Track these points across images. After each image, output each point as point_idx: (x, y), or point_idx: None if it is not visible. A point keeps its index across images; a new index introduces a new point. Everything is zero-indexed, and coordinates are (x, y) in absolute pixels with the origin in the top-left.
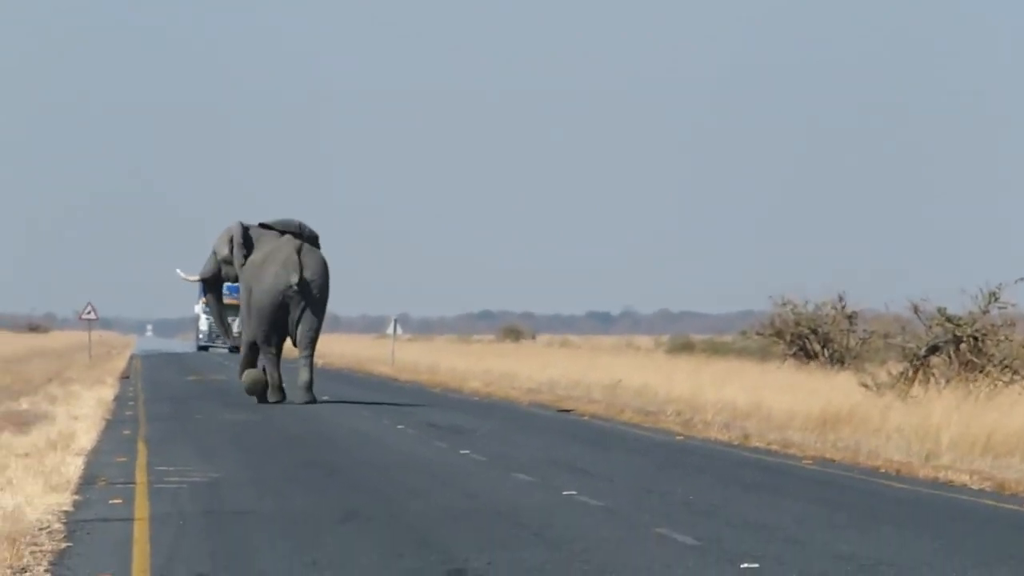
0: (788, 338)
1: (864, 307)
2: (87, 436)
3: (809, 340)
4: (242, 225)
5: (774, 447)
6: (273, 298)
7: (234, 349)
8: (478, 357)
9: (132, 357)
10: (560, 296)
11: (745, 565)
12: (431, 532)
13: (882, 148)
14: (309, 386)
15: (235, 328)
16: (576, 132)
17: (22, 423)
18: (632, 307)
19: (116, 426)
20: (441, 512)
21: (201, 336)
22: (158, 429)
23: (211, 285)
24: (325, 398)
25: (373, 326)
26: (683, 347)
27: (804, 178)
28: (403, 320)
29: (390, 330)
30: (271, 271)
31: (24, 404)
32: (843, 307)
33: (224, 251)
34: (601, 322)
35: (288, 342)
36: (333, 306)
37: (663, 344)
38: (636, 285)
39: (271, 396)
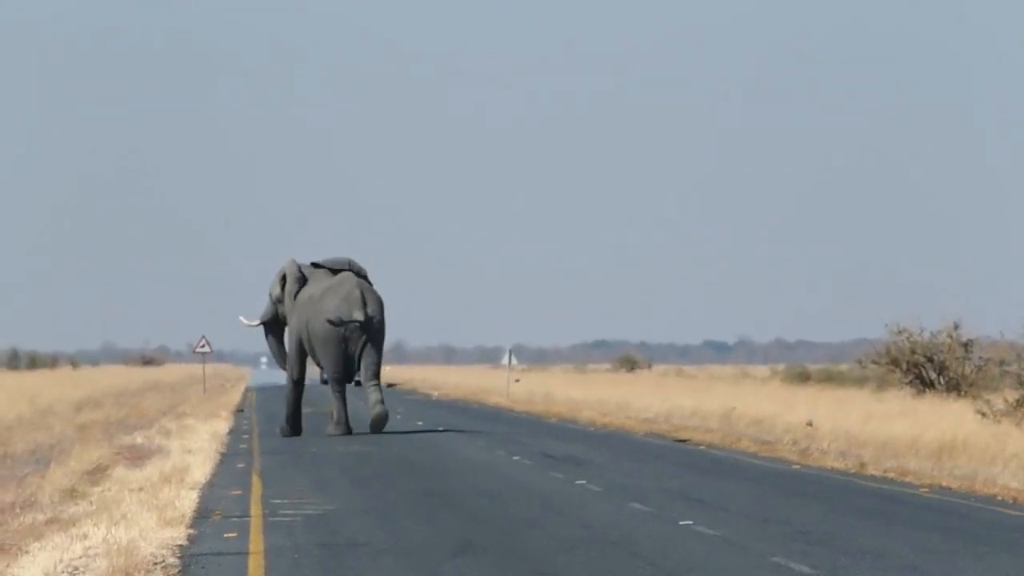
0: (904, 367)
1: (980, 334)
2: (201, 469)
3: (925, 368)
4: (295, 262)
5: (890, 475)
6: (336, 331)
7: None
8: (593, 387)
9: (246, 390)
10: (676, 325)
11: None
12: (546, 563)
13: (999, 176)
14: (381, 400)
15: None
16: (692, 161)
17: (137, 457)
18: (748, 336)
19: (230, 459)
20: (556, 543)
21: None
22: (272, 462)
23: (271, 327)
24: (441, 428)
25: (488, 357)
26: (799, 376)
27: (920, 206)
28: (518, 350)
29: (505, 361)
30: (331, 305)
31: (139, 438)
32: (958, 335)
33: (276, 290)
34: (717, 351)
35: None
36: (449, 337)
37: (779, 373)
38: (752, 314)
39: (335, 430)
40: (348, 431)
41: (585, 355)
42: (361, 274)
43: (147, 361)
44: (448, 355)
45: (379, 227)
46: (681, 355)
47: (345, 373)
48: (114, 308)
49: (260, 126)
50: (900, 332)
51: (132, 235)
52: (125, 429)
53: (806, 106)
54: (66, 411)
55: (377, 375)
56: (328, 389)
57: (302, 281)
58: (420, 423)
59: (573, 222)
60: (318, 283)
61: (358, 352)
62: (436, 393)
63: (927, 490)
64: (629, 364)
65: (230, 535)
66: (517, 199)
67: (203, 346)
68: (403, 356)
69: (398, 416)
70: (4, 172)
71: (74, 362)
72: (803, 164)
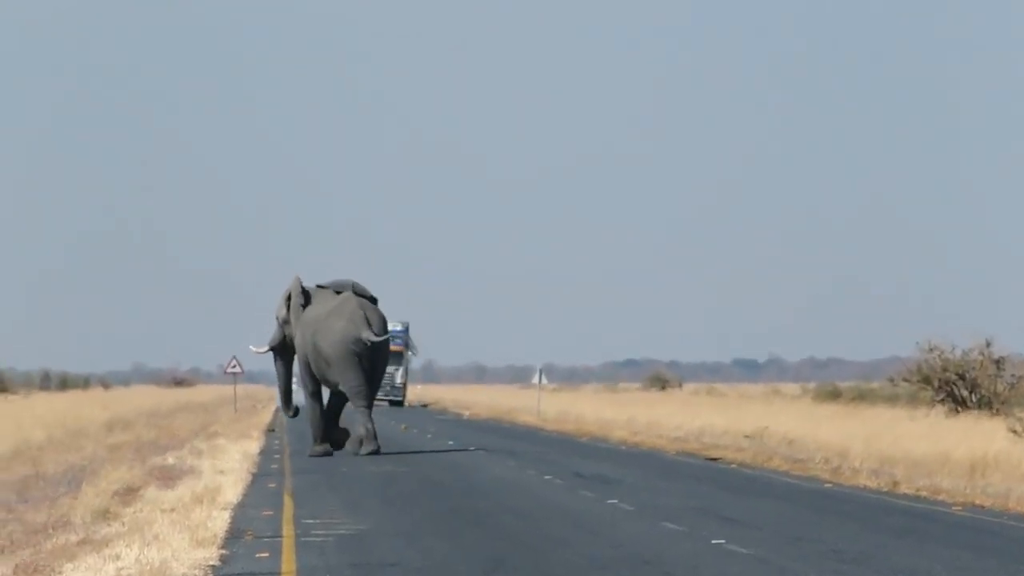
0: (936, 384)
1: (1012, 352)
2: (233, 490)
3: (957, 386)
4: (299, 279)
5: (923, 493)
6: (345, 348)
7: (395, 403)
8: (624, 406)
9: (277, 410)
10: (706, 344)
11: None
12: None
13: None
14: (373, 434)
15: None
16: (722, 179)
17: (168, 478)
18: (778, 355)
19: (262, 479)
20: (587, 562)
21: None
22: (304, 482)
23: (279, 353)
24: (471, 447)
25: (519, 376)
26: (830, 394)
27: (953, 224)
28: (548, 370)
29: (536, 380)
30: (339, 325)
31: (170, 459)
32: (990, 352)
33: (283, 312)
34: (747, 370)
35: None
36: (480, 356)
37: (810, 391)
38: (782, 333)
39: (367, 447)
40: (377, 449)
41: (616, 374)
42: (365, 295)
43: (178, 382)
44: (479, 374)
45: (410, 248)
46: (712, 374)
47: (367, 388)
48: (145, 329)
49: (291, 146)
50: (931, 350)
51: (164, 256)
52: (157, 450)
53: (838, 120)
54: (98, 432)
55: (373, 396)
56: (351, 409)
57: (306, 296)
58: (451, 442)
59: (604, 242)
60: (324, 303)
61: (370, 368)
62: (467, 412)
63: (960, 508)
64: (660, 383)
65: (262, 555)
66: (548, 220)
67: (234, 367)
68: (434, 375)
69: (428, 436)
70: (36, 193)
71: (105, 383)
72: (836, 183)
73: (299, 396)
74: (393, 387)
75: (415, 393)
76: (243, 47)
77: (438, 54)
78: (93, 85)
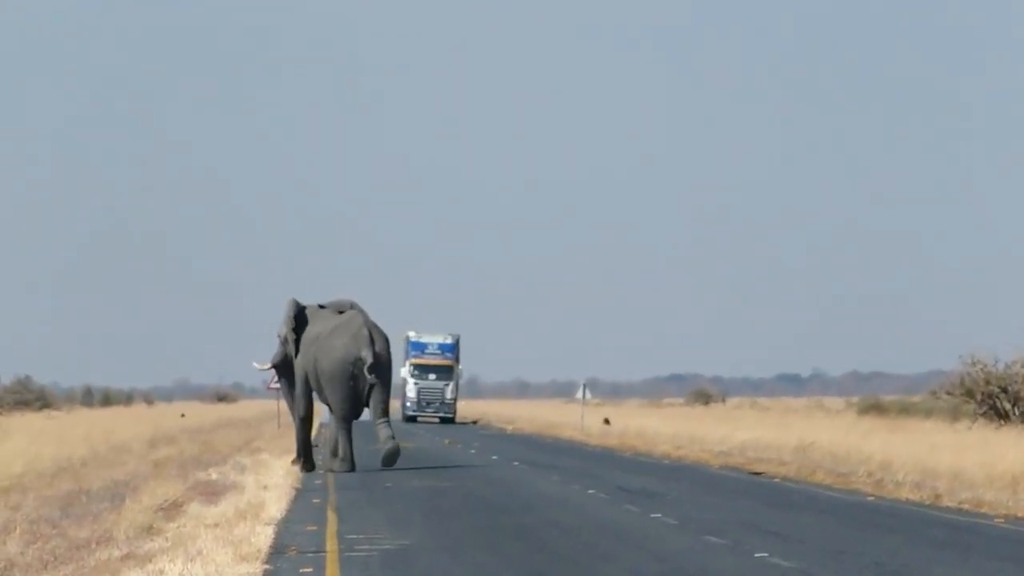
0: (978, 397)
1: None
2: (276, 505)
3: (999, 399)
4: (296, 300)
5: (965, 506)
6: (344, 368)
7: (445, 420)
8: (668, 420)
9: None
10: (749, 358)
11: None
12: None
13: None
14: (392, 436)
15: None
16: (766, 195)
17: (212, 493)
18: (822, 369)
19: (305, 495)
20: None
21: (408, 404)
22: (348, 497)
23: (282, 371)
24: (515, 462)
25: (562, 391)
26: (873, 408)
27: (995, 237)
28: (592, 384)
29: (579, 395)
30: (340, 343)
31: (213, 474)
32: None
33: (284, 330)
34: (790, 384)
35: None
36: (523, 372)
37: (853, 405)
38: (825, 347)
39: (340, 467)
40: (352, 468)
41: (659, 389)
42: (364, 314)
43: (221, 397)
44: (522, 389)
45: (451, 263)
46: (755, 388)
47: (352, 411)
48: (188, 345)
49: (335, 158)
50: (975, 363)
51: (207, 272)
52: (200, 465)
53: (885, 128)
54: (140, 447)
55: (386, 412)
56: (334, 425)
57: (300, 318)
58: (494, 457)
59: (647, 257)
60: (325, 322)
61: (366, 390)
62: (510, 427)
63: (1002, 521)
64: (703, 398)
65: (306, 570)
66: (592, 235)
67: (277, 382)
68: (477, 391)
69: (472, 451)
70: (81, 209)
71: (148, 399)
72: (879, 198)
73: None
74: (443, 403)
75: (459, 409)
76: (243, 48)
77: (465, 57)
78: (114, 92)
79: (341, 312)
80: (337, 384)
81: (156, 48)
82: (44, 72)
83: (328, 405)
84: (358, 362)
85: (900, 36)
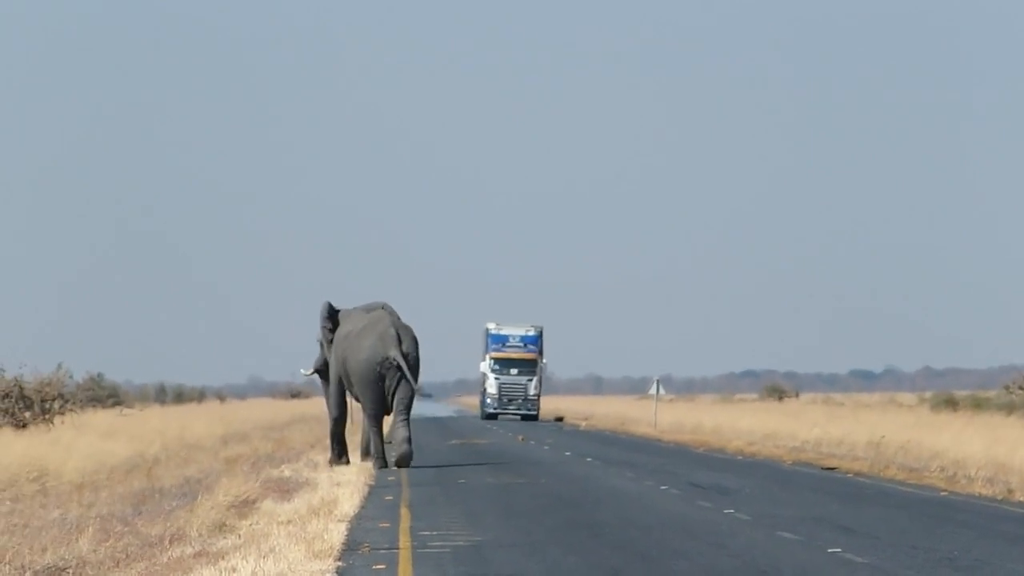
0: None
1: None
2: (350, 502)
3: None
4: (329, 303)
5: None
6: (372, 368)
7: (528, 417)
8: (741, 416)
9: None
10: (823, 354)
11: None
12: None
13: None
14: (408, 439)
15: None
16: (838, 188)
17: (284, 490)
18: (895, 365)
19: (379, 492)
20: (705, 572)
21: (489, 401)
22: (421, 494)
23: (325, 375)
24: (588, 458)
25: (636, 387)
26: (946, 403)
27: None
28: (665, 381)
29: (653, 391)
30: (368, 343)
31: (286, 471)
32: None
33: (320, 334)
34: (864, 380)
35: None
36: (597, 367)
37: (926, 400)
38: (899, 342)
39: (374, 465)
40: (385, 465)
41: (732, 385)
42: (394, 315)
43: (294, 394)
44: (596, 385)
45: (529, 260)
46: (828, 384)
47: (382, 410)
48: (260, 341)
49: (400, 160)
50: None
51: (279, 269)
52: (272, 462)
53: (955, 125)
54: (213, 445)
55: (408, 409)
56: (366, 424)
57: (333, 319)
58: (568, 453)
59: (721, 253)
60: (355, 322)
61: (393, 388)
62: (583, 423)
63: None
64: (776, 393)
65: (379, 567)
66: (665, 231)
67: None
68: (551, 387)
69: (545, 448)
70: (150, 207)
71: (221, 396)
72: (951, 190)
73: (418, 405)
74: (526, 399)
75: (544, 406)
76: (246, 51)
77: (532, 57)
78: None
79: (371, 312)
80: (365, 384)
81: (156, 50)
82: (44, 73)
83: (359, 403)
84: (385, 362)
85: (909, 49)
